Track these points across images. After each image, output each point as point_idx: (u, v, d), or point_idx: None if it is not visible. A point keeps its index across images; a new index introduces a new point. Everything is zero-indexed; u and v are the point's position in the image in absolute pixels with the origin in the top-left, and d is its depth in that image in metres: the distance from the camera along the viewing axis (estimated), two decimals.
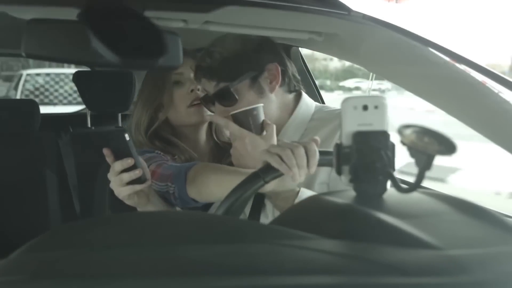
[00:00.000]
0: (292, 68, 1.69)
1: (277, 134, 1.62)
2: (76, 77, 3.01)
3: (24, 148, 2.82)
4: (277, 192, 1.40)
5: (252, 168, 1.29)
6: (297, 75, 1.71)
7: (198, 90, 1.85)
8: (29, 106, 2.91)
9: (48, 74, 9.42)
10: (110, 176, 1.52)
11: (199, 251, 0.61)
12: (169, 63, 1.07)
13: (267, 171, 1.18)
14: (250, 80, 1.60)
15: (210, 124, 2.00)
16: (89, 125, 3.21)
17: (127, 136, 1.46)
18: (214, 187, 1.51)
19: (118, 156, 1.48)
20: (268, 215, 1.58)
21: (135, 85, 2.99)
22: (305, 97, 1.71)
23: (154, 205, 1.62)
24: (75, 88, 8.88)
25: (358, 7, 1.53)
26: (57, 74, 9.46)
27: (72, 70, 9.70)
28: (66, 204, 2.82)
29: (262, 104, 1.55)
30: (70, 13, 1.03)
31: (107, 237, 0.65)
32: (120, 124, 3.26)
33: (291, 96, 1.68)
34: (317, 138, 1.26)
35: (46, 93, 9.15)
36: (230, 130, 1.53)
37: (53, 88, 9.24)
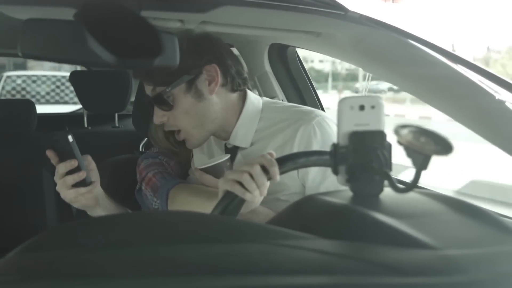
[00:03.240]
0: (236, 66, 1.61)
1: (227, 139, 1.63)
2: (73, 77, 3.00)
3: (21, 148, 2.82)
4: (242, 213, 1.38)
5: None
6: (244, 72, 1.65)
7: None
8: (26, 106, 2.91)
9: (20, 76, 9.86)
10: (56, 179, 1.46)
11: (196, 251, 0.61)
12: (165, 63, 1.07)
13: (229, 200, 1.17)
14: (186, 84, 1.53)
15: None
16: (85, 125, 3.21)
17: (70, 138, 1.41)
18: (189, 208, 1.52)
19: (62, 158, 1.43)
20: None
21: (131, 85, 2.98)
22: (250, 95, 1.66)
23: (104, 209, 1.57)
24: (48, 89, 9.24)
25: (354, 7, 1.53)
26: (32, 76, 9.85)
27: (48, 72, 10.33)
28: (63, 204, 2.81)
29: (228, 155, 1.54)
30: (67, 13, 1.03)
31: (104, 237, 0.65)
32: (117, 124, 3.26)
33: (235, 96, 1.63)
34: (272, 152, 1.21)
35: (23, 92, 9.43)
36: (205, 182, 1.52)
37: (30, 87, 9.55)
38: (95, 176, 1.50)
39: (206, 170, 1.51)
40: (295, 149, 1.51)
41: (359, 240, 0.68)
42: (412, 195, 0.83)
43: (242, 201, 1.18)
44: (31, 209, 2.73)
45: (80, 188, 1.46)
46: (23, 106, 2.93)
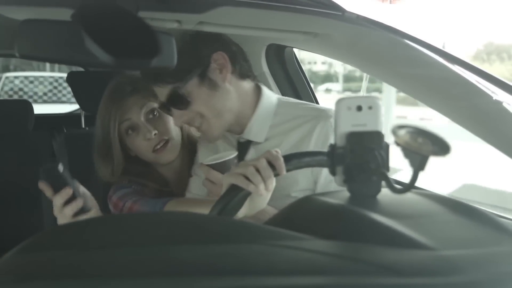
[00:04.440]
0: (241, 53, 1.63)
1: (242, 132, 1.62)
2: (70, 78, 2.99)
3: (18, 148, 2.81)
4: (249, 216, 1.35)
5: None
6: (248, 59, 1.65)
7: (155, 134, 1.73)
8: (23, 106, 2.90)
9: (26, 77, 10.10)
10: (55, 212, 1.41)
11: (193, 252, 0.61)
12: (162, 64, 1.07)
13: (232, 193, 1.17)
14: (199, 77, 1.53)
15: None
16: (83, 125, 3.21)
17: (60, 168, 1.38)
18: None
19: (56, 190, 1.40)
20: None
21: None
22: (265, 90, 1.66)
23: None
24: (46, 89, 9.51)
25: (352, 8, 1.53)
26: (33, 77, 10.12)
27: (46, 73, 10.87)
28: None
29: (236, 153, 1.53)
30: (64, 14, 1.03)
31: (101, 237, 0.65)
32: None
33: (247, 85, 1.63)
34: (278, 149, 1.20)
35: (20, 93, 9.66)
36: (210, 178, 1.48)
37: (28, 87, 9.80)
38: (92, 202, 1.47)
39: (213, 167, 1.50)
40: (312, 146, 1.52)
41: (357, 241, 0.68)
42: (409, 195, 0.83)
43: (246, 196, 1.18)
44: (28, 210, 2.72)
45: (81, 216, 1.42)
46: (20, 107, 2.92)
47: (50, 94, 9.69)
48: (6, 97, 9.26)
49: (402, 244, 0.66)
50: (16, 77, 10.07)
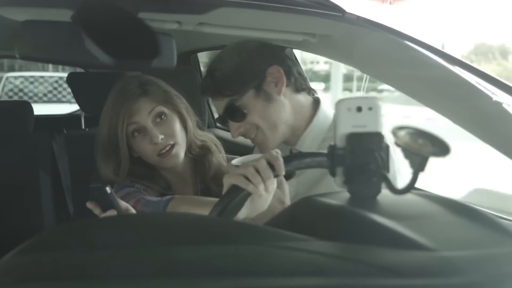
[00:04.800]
0: (296, 67, 1.67)
1: (295, 144, 1.66)
2: (70, 79, 2.99)
3: (18, 149, 2.81)
4: (251, 218, 1.36)
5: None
6: (303, 72, 1.68)
7: (162, 139, 1.72)
8: (23, 107, 2.90)
9: (26, 78, 10.16)
10: None
11: (194, 253, 0.61)
12: (162, 64, 1.07)
13: (232, 194, 1.17)
14: (254, 90, 1.58)
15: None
16: (83, 126, 3.21)
17: (108, 189, 1.43)
18: None
19: (103, 209, 1.46)
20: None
21: None
22: (323, 106, 1.69)
23: None
24: (46, 90, 9.62)
25: (352, 9, 1.53)
26: (31, 77, 10.17)
27: (46, 73, 10.90)
28: (60, 205, 2.81)
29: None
30: (64, 15, 1.03)
31: (101, 238, 0.65)
32: None
33: (303, 99, 1.66)
34: (278, 150, 1.23)
35: (20, 94, 9.72)
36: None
37: (28, 88, 9.87)
38: None
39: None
40: None
41: (357, 242, 0.68)
42: (409, 196, 0.83)
43: (246, 196, 1.18)
44: (28, 210, 2.72)
45: None
46: (20, 108, 2.92)
47: (50, 95, 9.74)
48: (6, 98, 9.27)
49: (402, 245, 0.66)
50: (16, 78, 10.12)
